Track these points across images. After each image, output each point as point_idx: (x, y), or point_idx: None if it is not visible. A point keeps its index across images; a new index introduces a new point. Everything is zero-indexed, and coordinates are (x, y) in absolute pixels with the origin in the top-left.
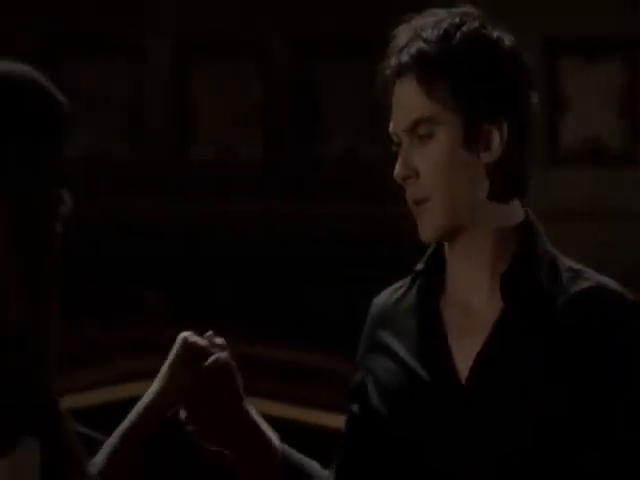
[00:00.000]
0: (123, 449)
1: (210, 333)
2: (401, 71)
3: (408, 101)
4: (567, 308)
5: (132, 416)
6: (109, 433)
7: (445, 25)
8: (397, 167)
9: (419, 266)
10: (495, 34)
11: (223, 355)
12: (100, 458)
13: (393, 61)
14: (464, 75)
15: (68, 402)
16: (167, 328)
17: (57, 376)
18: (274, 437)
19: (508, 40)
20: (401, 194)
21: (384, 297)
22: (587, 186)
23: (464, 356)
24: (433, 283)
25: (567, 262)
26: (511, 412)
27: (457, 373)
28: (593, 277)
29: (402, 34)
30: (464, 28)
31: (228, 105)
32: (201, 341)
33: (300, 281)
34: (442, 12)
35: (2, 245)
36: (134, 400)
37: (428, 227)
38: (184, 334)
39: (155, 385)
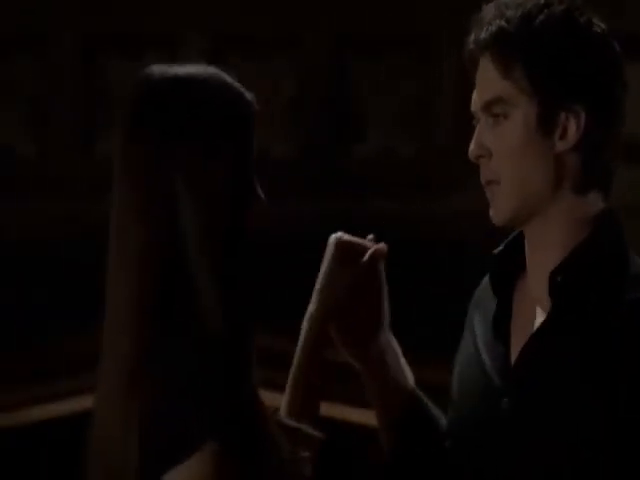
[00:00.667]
0: (302, 369)
1: (371, 236)
2: (480, 48)
3: (485, 80)
4: (618, 317)
5: (302, 335)
6: None
7: (530, 5)
8: (471, 145)
9: (498, 249)
10: (583, 19)
11: (382, 245)
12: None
13: (474, 37)
14: (542, 59)
15: (69, 406)
16: None
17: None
18: (409, 370)
19: (597, 27)
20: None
21: (485, 277)
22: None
23: (516, 350)
24: (512, 266)
25: (638, 266)
26: (543, 424)
27: (507, 368)
28: None
29: (488, 10)
30: (548, 10)
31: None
32: (355, 239)
33: None
34: None
35: (198, 232)
36: None
37: (498, 210)
38: (335, 235)
39: (315, 296)
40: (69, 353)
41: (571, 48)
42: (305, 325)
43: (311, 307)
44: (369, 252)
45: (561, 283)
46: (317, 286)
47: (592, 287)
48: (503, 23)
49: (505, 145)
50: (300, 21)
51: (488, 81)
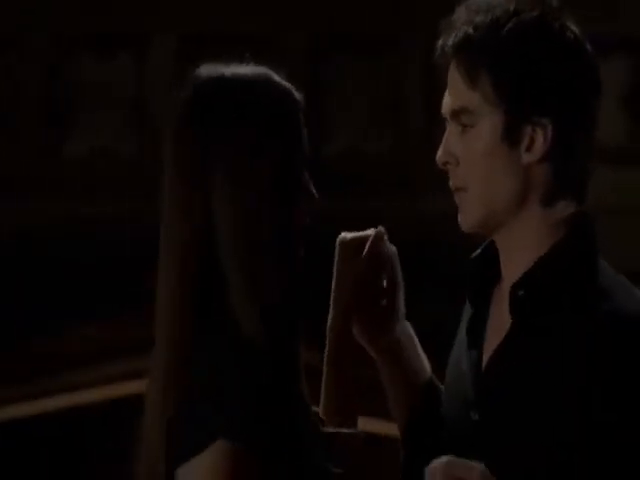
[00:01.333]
0: (331, 379)
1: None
2: (448, 55)
3: (453, 87)
4: (582, 328)
5: (327, 345)
6: (109, 430)
7: (500, 11)
8: (439, 151)
9: (475, 253)
10: (556, 25)
11: (378, 229)
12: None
13: (442, 43)
14: (509, 68)
15: (69, 401)
16: None
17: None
18: (425, 358)
19: (571, 33)
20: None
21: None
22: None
23: (487, 356)
24: (490, 269)
25: (605, 276)
26: (510, 435)
27: (479, 377)
28: (616, 300)
29: (459, 13)
30: (518, 17)
31: None
32: (356, 234)
33: None
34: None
35: (240, 232)
36: (135, 398)
37: (465, 216)
38: (340, 237)
39: (331, 303)
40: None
41: (539, 58)
42: (328, 335)
43: (329, 315)
44: (369, 241)
45: (522, 297)
46: (332, 293)
47: (555, 299)
48: (470, 30)
49: (471, 154)
50: (273, 21)
51: (455, 89)
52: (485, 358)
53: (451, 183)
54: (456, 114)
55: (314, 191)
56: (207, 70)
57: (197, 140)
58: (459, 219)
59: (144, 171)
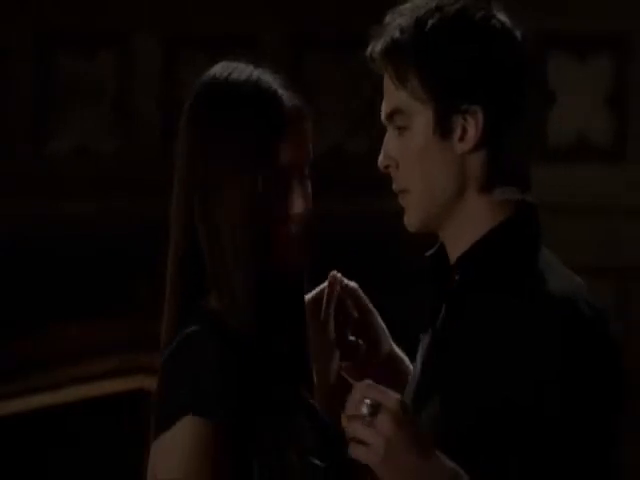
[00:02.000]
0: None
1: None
2: (379, 60)
3: (386, 91)
4: (506, 314)
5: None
6: (95, 427)
7: (421, 11)
8: (380, 156)
9: (430, 251)
10: (479, 15)
11: (334, 272)
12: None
13: (371, 49)
14: (433, 64)
15: (54, 398)
16: (151, 323)
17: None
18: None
19: (497, 22)
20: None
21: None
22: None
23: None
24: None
25: (542, 261)
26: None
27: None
28: (546, 284)
29: (387, 19)
30: (441, 12)
31: None
32: (314, 291)
33: None
34: None
35: (242, 218)
36: (120, 395)
37: (410, 217)
38: (306, 299)
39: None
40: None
41: (462, 48)
42: (317, 389)
43: (314, 371)
44: (325, 294)
45: (457, 281)
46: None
47: (485, 281)
48: (396, 34)
49: (409, 155)
50: (255, 20)
51: (388, 93)
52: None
53: (394, 186)
54: (391, 117)
55: (301, 200)
56: (214, 71)
57: (193, 140)
58: (405, 221)
59: (128, 170)
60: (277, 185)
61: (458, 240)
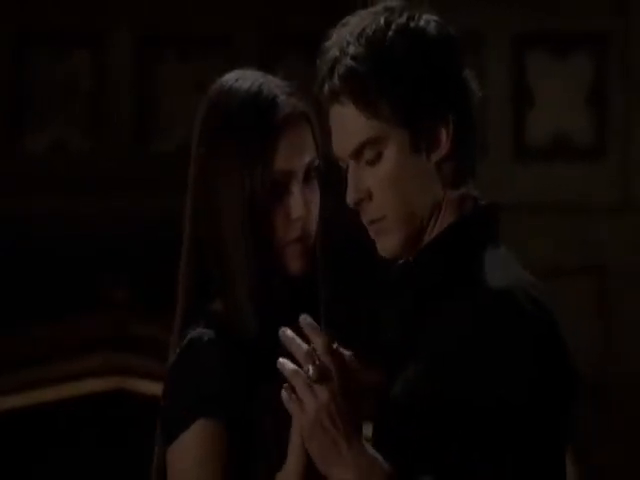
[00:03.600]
0: None
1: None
2: (335, 94)
3: (349, 125)
4: (453, 310)
5: None
6: (79, 426)
7: (370, 33)
8: (348, 192)
9: (401, 261)
10: (421, 24)
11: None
12: None
13: (322, 82)
14: (401, 89)
15: (32, 398)
16: (133, 323)
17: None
18: None
19: (435, 27)
20: None
21: None
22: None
23: None
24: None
25: (493, 257)
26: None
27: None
28: (490, 278)
29: (329, 51)
30: (390, 33)
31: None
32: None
33: None
34: (364, 14)
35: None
36: (98, 395)
37: (386, 244)
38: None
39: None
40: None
41: (423, 65)
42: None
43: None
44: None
45: (413, 274)
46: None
47: (437, 277)
48: (351, 63)
49: (385, 180)
50: (232, 19)
51: (353, 126)
52: None
53: (365, 219)
54: (359, 152)
55: (299, 205)
56: (224, 79)
57: (201, 143)
58: (379, 249)
59: (99, 168)
60: (275, 189)
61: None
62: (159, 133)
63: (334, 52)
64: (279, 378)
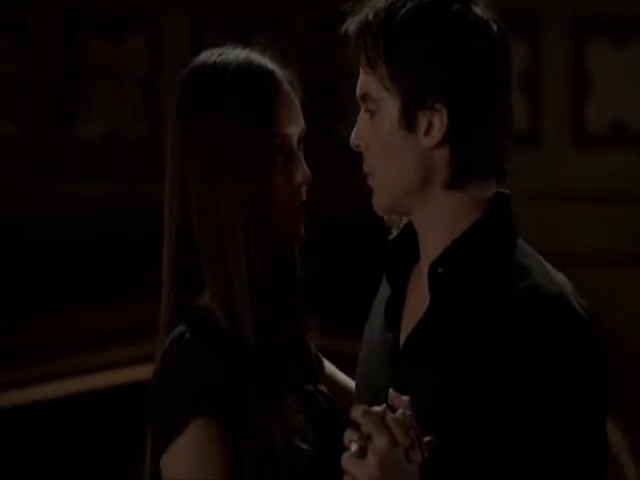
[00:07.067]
0: None
1: None
2: (351, 37)
3: (360, 72)
4: (501, 306)
5: None
6: (114, 415)
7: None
8: (352, 135)
9: (393, 234)
10: (456, 8)
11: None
12: None
13: (347, 25)
14: (401, 55)
15: (73, 386)
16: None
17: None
18: None
19: (473, 16)
20: None
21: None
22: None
23: (405, 334)
24: (409, 251)
25: (524, 255)
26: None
27: (394, 355)
28: (534, 278)
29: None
30: (410, 4)
31: None
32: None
33: None
34: None
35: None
36: (140, 384)
37: (376, 201)
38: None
39: None
40: None
41: (431, 44)
42: None
43: None
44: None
45: (441, 275)
46: None
47: (473, 278)
48: (370, 16)
49: (376, 140)
50: (282, 3)
51: (361, 74)
52: (402, 338)
53: (364, 167)
54: (362, 99)
55: (302, 170)
56: (195, 60)
57: (178, 136)
58: (372, 203)
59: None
60: (277, 156)
61: (429, 230)
62: None
63: (365, 2)
64: (264, 375)
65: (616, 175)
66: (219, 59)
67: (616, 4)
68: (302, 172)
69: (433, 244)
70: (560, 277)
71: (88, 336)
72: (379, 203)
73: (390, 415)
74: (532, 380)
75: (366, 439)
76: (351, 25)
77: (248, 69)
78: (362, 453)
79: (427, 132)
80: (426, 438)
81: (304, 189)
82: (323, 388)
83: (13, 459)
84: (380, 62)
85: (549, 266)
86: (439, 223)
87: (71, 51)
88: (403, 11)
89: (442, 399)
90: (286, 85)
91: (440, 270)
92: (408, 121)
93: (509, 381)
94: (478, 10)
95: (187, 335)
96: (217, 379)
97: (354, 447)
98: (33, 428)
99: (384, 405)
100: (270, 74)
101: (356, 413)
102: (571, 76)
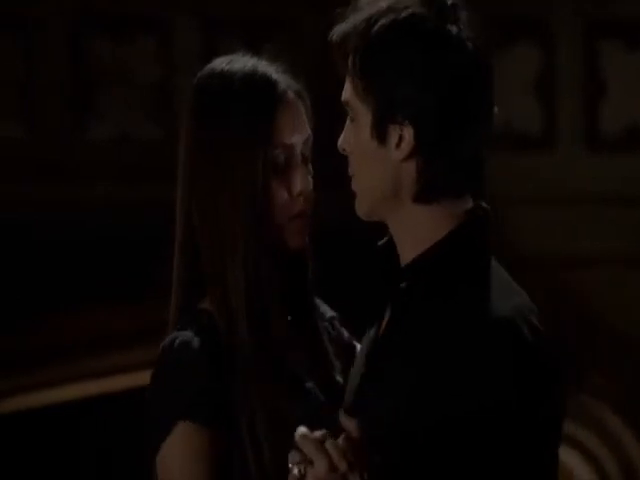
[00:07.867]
0: None
1: None
2: (334, 47)
3: (345, 79)
4: (448, 328)
5: None
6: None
7: (376, 9)
8: (339, 138)
9: (382, 241)
10: (427, 26)
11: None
12: None
13: (330, 35)
14: (374, 72)
15: (85, 389)
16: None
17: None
18: None
19: (447, 33)
20: None
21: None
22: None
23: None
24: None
25: (488, 273)
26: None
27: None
28: (489, 300)
29: (351, 6)
30: (388, 18)
31: None
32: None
33: None
34: None
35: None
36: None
37: (357, 206)
38: None
39: None
40: None
41: (403, 60)
42: None
43: None
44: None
45: (402, 290)
46: None
47: (429, 295)
48: (350, 27)
49: (355, 146)
50: (294, 5)
51: (345, 82)
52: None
53: (349, 170)
54: (346, 105)
55: (301, 180)
56: (214, 64)
57: (188, 144)
58: (355, 206)
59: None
60: (277, 165)
61: (402, 242)
62: None
63: (350, 11)
64: (257, 377)
65: (629, 179)
66: (227, 67)
67: (628, 8)
68: (302, 181)
69: (404, 255)
70: (517, 300)
71: (88, 338)
72: (359, 208)
73: (329, 441)
74: (482, 400)
75: (307, 463)
76: (334, 34)
77: (252, 78)
78: (302, 477)
79: (398, 145)
80: (371, 458)
81: (304, 198)
82: (339, 378)
83: (13, 462)
84: (355, 75)
85: (514, 286)
86: (409, 235)
87: (80, 53)
88: (378, 26)
89: (395, 413)
90: (291, 95)
91: (402, 285)
92: (380, 133)
93: (462, 398)
94: (454, 28)
95: (177, 341)
96: (205, 384)
97: (295, 470)
98: (33, 432)
99: (324, 430)
100: (273, 84)
101: (297, 437)
102: (584, 80)
